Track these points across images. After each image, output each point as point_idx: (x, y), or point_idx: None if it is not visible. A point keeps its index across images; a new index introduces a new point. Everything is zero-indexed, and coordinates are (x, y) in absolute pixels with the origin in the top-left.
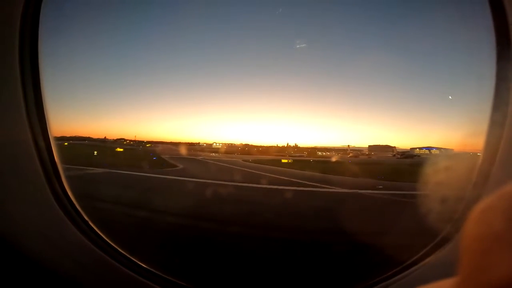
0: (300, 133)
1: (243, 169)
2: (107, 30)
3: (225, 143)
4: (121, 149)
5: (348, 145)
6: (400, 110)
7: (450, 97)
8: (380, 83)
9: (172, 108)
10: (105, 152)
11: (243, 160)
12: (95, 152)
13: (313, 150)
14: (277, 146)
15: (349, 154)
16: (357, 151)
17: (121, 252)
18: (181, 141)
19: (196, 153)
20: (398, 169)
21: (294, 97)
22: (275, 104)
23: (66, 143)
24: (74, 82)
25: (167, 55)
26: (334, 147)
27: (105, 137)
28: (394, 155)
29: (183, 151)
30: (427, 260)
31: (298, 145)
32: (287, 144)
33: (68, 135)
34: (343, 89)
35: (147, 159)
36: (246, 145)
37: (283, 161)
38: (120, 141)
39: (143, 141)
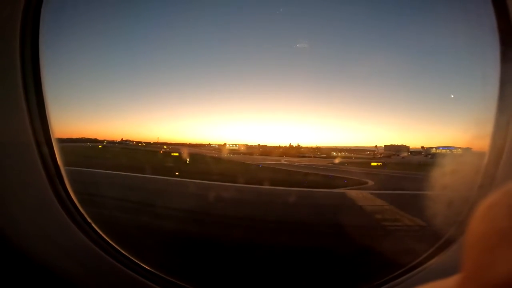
0: (300, 133)
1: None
2: (111, 30)
3: (242, 144)
4: (177, 154)
5: (376, 146)
6: (405, 110)
7: (452, 96)
8: (384, 83)
9: (174, 109)
10: (195, 160)
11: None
12: (187, 160)
13: (328, 150)
14: (280, 147)
15: (380, 155)
16: (387, 152)
17: (123, 254)
18: (191, 143)
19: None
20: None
21: (296, 97)
22: (277, 104)
23: (100, 146)
24: (76, 83)
25: (168, 55)
26: (359, 147)
27: (122, 138)
28: (426, 155)
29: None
30: (430, 262)
31: (301, 145)
32: (290, 144)
33: (72, 136)
34: (346, 89)
35: (263, 169)
36: (264, 146)
37: (373, 164)
38: (126, 143)
39: (150, 143)
